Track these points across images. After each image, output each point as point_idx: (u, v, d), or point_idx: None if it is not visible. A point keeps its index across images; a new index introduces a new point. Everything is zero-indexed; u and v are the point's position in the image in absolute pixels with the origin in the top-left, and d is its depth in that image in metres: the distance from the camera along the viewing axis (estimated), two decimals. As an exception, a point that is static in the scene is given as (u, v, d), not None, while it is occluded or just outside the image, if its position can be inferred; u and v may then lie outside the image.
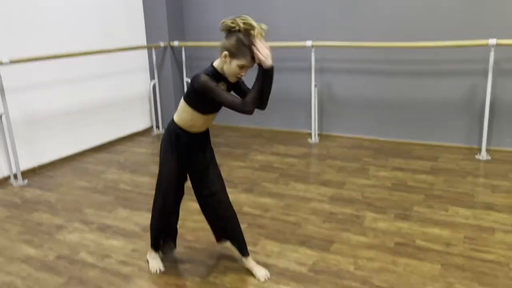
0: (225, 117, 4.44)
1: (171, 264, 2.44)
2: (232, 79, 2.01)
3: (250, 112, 1.96)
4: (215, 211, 2.28)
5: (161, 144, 2.23)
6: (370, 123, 4.61)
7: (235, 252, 2.36)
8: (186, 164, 2.21)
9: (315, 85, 4.60)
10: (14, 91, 3.82)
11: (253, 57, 1.91)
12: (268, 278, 2.26)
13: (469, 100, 4.11)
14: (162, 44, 5.09)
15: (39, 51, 3.91)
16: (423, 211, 2.97)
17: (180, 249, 2.59)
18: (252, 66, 1.96)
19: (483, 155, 3.97)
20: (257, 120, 5.13)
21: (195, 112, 2.04)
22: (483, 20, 3.89)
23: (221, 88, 1.98)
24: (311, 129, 4.75)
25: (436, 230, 2.70)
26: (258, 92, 1.96)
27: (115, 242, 2.70)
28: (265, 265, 2.36)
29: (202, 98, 1.97)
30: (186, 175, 2.27)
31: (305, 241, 2.63)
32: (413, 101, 4.35)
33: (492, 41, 3.64)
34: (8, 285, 2.29)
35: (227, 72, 1.98)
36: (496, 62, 3.86)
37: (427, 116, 4.32)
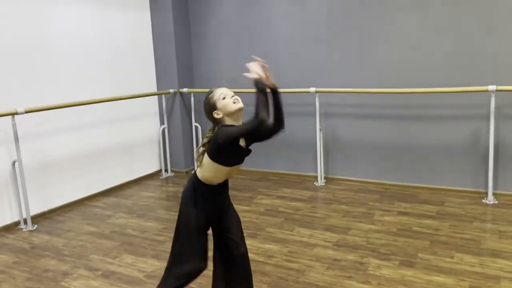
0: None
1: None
2: (236, 113, 2.06)
3: (264, 119, 1.97)
4: (240, 272, 2.27)
5: (182, 197, 2.24)
6: (375, 167, 4.64)
7: None
8: (210, 218, 2.22)
9: (320, 129, 4.69)
10: (27, 138, 3.97)
11: (217, 93, 2.08)
12: None
13: (474, 144, 4.14)
14: (171, 90, 5.27)
15: (52, 100, 4.09)
16: (428, 258, 2.94)
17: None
18: (226, 93, 2.07)
19: (490, 199, 3.94)
20: (264, 163, 5.19)
21: (220, 167, 2.08)
22: (483, 66, 3.98)
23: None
24: (317, 172, 4.79)
25: (440, 279, 2.67)
26: (256, 105, 1.98)
27: (119, 290, 2.72)
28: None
29: (228, 149, 2.04)
30: (206, 231, 2.24)
31: (307, 290, 2.62)
32: (418, 145, 4.39)
33: (492, 87, 3.72)
34: (11, 334, 2.31)
35: (229, 114, 2.05)
36: (498, 107, 3.92)
37: (432, 159, 4.34)
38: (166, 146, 5.42)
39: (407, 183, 4.48)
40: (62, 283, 2.83)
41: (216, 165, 2.07)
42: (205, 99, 2.10)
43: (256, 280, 2.74)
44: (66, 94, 4.27)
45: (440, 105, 4.23)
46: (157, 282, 2.78)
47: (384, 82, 4.39)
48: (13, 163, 3.78)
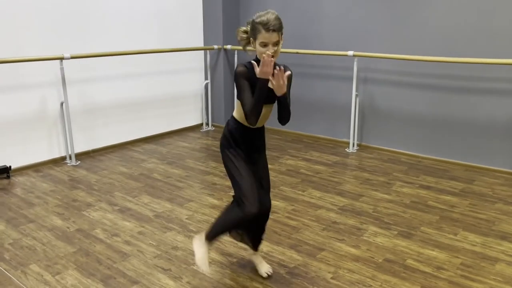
0: (269, 119, 4.59)
1: (167, 249, 2.67)
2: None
3: (250, 122, 2.00)
4: (262, 224, 2.34)
5: (220, 142, 2.23)
6: (409, 138, 4.47)
7: (248, 243, 2.44)
8: (245, 156, 2.17)
9: (357, 95, 4.58)
10: (77, 83, 4.35)
11: (267, 30, 1.94)
12: (270, 273, 2.37)
13: (517, 122, 3.83)
14: (216, 46, 5.39)
15: (100, 48, 4.41)
16: (429, 232, 2.87)
17: (181, 237, 2.82)
18: (270, 41, 1.95)
19: (526, 183, 3.68)
20: (299, 125, 5.21)
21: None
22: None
23: (246, 85, 1.99)
24: (345, 137, 4.74)
25: (433, 253, 2.62)
26: (254, 101, 1.96)
27: (127, 224, 3.01)
28: (248, 261, 2.49)
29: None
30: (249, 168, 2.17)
31: (295, 245, 2.71)
32: (457, 119, 4.14)
33: (541, 61, 3.37)
34: (30, 247, 2.69)
35: (258, 56, 2.01)
36: (549, 83, 3.56)
37: (470, 135, 4.09)
38: (208, 100, 5.62)
39: (441, 158, 4.28)
40: (84, 212, 3.18)
41: (239, 103, 2.05)
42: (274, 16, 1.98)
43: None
44: (114, 44, 4.57)
45: (483, 78, 3.92)
46: (164, 221, 3.04)
47: (426, 49, 4.14)
48: (61, 104, 4.18)
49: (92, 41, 4.40)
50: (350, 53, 4.41)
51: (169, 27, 5.11)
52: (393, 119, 4.56)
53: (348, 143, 4.75)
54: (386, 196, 3.48)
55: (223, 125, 5.99)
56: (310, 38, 4.92)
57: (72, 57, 4.02)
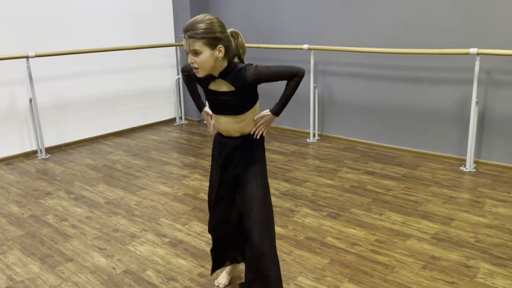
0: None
1: (108, 231, 2.88)
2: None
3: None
4: (252, 268, 1.87)
5: None
6: (364, 127, 4.63)
7: (232, 272, 2.28)
8: (221, 173, 1.97)
9: (315, 87, 4.75)
10: (45, 80, 4.58)
11: (184, 36, 1.71)
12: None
13: (461, 110, 3.97)
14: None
15: (68, 46, 4.63)
16: (357, 213, 3.05)
17: (124, 221, 3.03)
18: (187, 49, 1.72)
19: (468, 167, 3.83)
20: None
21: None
22: (472, 30, 3.74)
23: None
24: (307, 128, 4.92)
25: (353, 231, 2.80)
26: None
27: (78, 210, 3.23)
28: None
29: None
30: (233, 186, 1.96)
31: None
32: (407, 108, 4.30)
33: (473, 50, 3.52)
34: (-16, 231, 2.93)
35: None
36: (488, 72, 3.70)
37: (419, 123, 4.24)
38: (180, 95, 5.83)
39: (393, 145, 4.45)
40: (41, 200, 3.41)
41: None
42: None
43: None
44: (85, 41, 4.79)
45: (429, 67, 4.07)
46: (113, 207, 3.26)
47: (377, 42, 4.30)
48: (30, 100, 4.42)
49: (63, 38, 4.62)
50: (305, 46, 4.58)
51: (141, 24, 5.32)
52: (350, 109, 4.72)
53: (309, 134, 4.93)
54: (329, 181, 3.66)
55: (195, 119, 6.29)
56: (272, 32, 5.10)
57: (37, 56, 4.25)
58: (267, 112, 1.90)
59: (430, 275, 2.31)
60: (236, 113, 1.83)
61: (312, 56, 4.62)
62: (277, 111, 1.89)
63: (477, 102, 3.69)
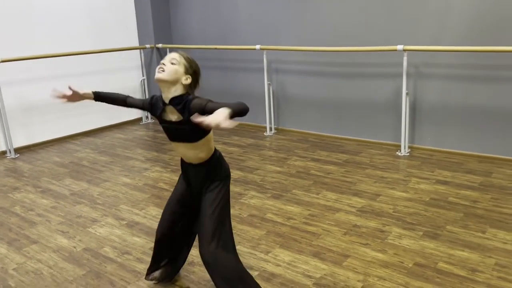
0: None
1: (71, 217, 3.18)
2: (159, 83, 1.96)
3: None
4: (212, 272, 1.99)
5: None
6: (316, 119, 5.03)
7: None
8: (184, 190, 2.14)
9: (269, 84, 5.12)
10: (11, 84, 4.82)
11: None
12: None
13: (395, 101, 4.40)
14: (148, 46, 5.89)
15: (33, 51, 4.88)
16: (298, 194, 3.42)
17: (87, 208, 3.33)
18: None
19: (403, 152, 4.26)
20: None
21: None
22: (400, 28, 4.17)
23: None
24: (270, 123, 5.29)
25: (291, 208, 3.17)
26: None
27: (45, 201, 3.51)
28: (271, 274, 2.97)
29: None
30: (190, 204, 2.13)
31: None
32: (349, 100, 4.71)
33: (400, 47, 3.95)
34: (-45, 222, 3.18)
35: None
36: (415, 65, 4.15)
37: (361, 114, 4.66)
38: (145, 96, 6.12)
39: (340, 135, 4.86)
40: (9, 195, 3.68)
41: None
42: None
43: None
44: (47, 46, 5.04)
45: (368, 63, 4.49)
46: (77, 197, 3.55)
47: (322, 41, 4.70)
48: (-3, 104, 4.66)
49: (28, 44, 4.87)
50: (258, 47, 4.96)
51: (103, 28, 5.60)
52: (301, 104, 5.12)
53: (265, 127, 5.30)
54: (278, 168, 4.03)
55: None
56: (228, 33, 5.46)
57: (3, 61, 4.49)
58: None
59: (349, 239, 2.70)
60: (189, 141, 1.94)
61: (264, 56, 4.99)
62: (227, 109, 1.67)
63: (407, 93, 4.13)
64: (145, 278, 2.32)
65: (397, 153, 4.29)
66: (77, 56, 5.28)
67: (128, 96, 2.23)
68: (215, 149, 2.05)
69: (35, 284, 2.39)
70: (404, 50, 3.94)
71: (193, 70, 1.95)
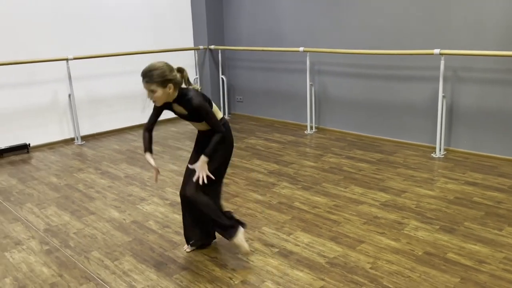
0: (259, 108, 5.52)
1: (124, 196, 3.63)
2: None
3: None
4: (197, 215, 2.60)
5: None
6: (355, 119, 5.21)
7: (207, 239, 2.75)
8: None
9: (311, 85, 5.37)
10: (81, 78, 5.44)
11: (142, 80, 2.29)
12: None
13: (432, 103, 4.48)
14: (201, 47, 6.35)
15: (102, 50, 5.48)
16: (327, 187, 3.65)
17: (138, 189, 3.78)
18: (146, 88, 2.29)
19: (438, 154, 4.33)
20: (272, 112, 6.06)
21: None
22: (438, 31, 4.26)
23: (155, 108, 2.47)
24: (311, 122, 5.54)
25: (318, 199, 3.41)
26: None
27: (103, 181, 4.01)
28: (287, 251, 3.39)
29: None
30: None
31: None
32: (387, 102, 4.84)
33: (437, 51, 4.05)
34: (29, 194, 3.75)
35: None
36: (454, 69, 4.22)
37: (399, 115, 4.78)
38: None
39: (376, 135, 5.00)
40: (74, 174, 4.23)
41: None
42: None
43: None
44: (113, 45, 5.63)
45: (408, 66, 4.61)
46: (130, 180, 4.00)
47: (362, 43, 4.87)
48: (69, 96, 5.29)
49: (96, 42, 5.48)
50: (301, 49, 5.22)
51: (163, 29, 6.12)
52: (342, 104, 5.31)
53: (306, 126, 5.54)
54: (312, 163, 4.27)
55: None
56: (274, 37, 5.77)
57: (75, 58, 5.11)
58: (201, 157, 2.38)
59: (367, 228, 2.90)
60: (196, 121, 2.45)
61: (307, 58, 5.25)
62: (206, 153, 2.35)
63: (444, 96, 4.21)
64: (186, 245, 2.72)
65: (432, 154, 4.37)
66: (139, 55, 5.82)
67: (145, 128, 2.48)
68: (223, 120, 2.49)
69: (90, 245, 2.83)
70: (441, 54, 4.04)
71: (168, 78, 2.24)
